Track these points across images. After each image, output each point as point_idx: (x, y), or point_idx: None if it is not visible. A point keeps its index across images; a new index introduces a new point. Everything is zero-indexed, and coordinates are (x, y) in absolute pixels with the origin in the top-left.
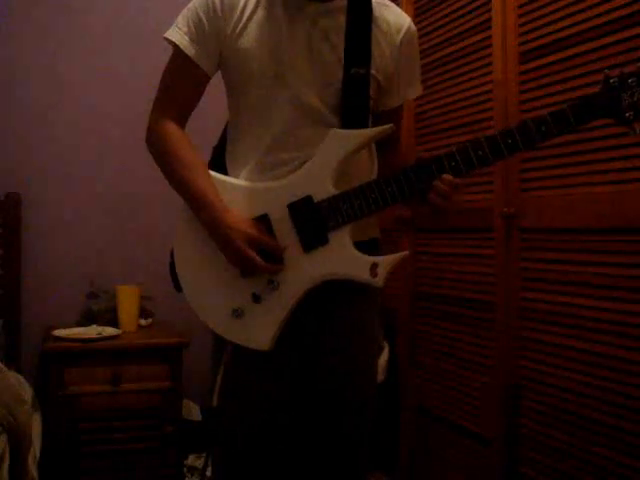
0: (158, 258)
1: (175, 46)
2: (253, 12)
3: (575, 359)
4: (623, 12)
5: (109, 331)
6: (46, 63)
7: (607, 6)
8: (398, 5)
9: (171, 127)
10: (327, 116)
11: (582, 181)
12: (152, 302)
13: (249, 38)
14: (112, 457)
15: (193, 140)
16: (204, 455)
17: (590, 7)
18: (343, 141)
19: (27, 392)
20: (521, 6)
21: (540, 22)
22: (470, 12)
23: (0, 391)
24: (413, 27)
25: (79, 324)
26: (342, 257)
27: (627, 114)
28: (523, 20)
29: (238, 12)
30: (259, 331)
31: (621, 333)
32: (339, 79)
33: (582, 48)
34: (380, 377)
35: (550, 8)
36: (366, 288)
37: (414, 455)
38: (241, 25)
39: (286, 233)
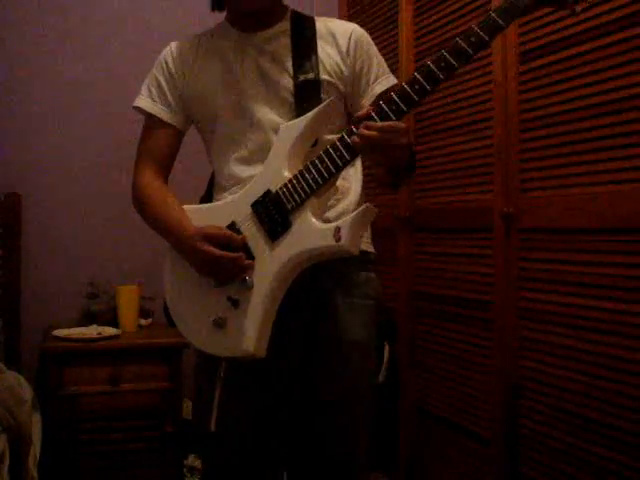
0: (158, 258)
1: (141, 110)
2: (204, 60)
3: (575, 359)
4: (623, 12)
5: (109, 331)
6: (46, 63)
7: (607, 6)
8: (397, 6)
9: (147, 179)
10: None
11: (582, 181)
12: (152, 302)
13: (203, 82)
14: (112, 457)
15: (182, 194)
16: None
17: (590, 7)
18: (290, 129)
19: (27, 392)
20: None
21: (540, 22)
22: (470, 12)
23: (0, 391)
24: (359, 30)
25: (79, 324)
26: (304, 233)
27: None
28: (523, 20)
29: (190, 63)
30: (243, 336)
31: (621, 333)
32: (291, 92)
33: (582, 48)
34: (380, 377)
35: (550, 8)
36: (356, 287)
37: (414, 455)
38: (194, 74)
39: (254, 232)
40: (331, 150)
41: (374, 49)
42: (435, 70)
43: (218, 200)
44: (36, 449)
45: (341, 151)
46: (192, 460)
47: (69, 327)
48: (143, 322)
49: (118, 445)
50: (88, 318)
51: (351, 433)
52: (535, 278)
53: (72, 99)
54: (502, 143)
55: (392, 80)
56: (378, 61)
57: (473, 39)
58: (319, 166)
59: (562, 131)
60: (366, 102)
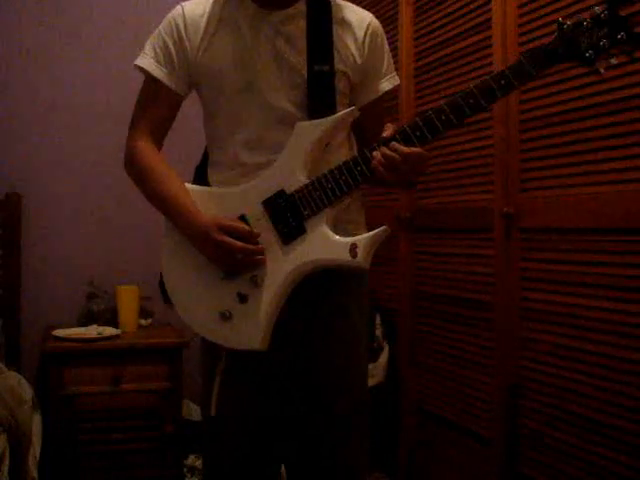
0: (158, 258)
1: (144, 71)
2: (216, 29)
3: (575, 359)
4: (623, 12)
5: (109, 331)
6: (46, 63)
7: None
8: (397, 6)
9: (143, 145)
10: (297, 116)
11: (582, 181)
12: (152, 302)
13: (215, 54)
14: (112, 457)
15: (177, 161)
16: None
17: (590, 7)
18: (308, 132)
19: (27, 392)
20: (521, 6)
21: (540, 22)
22: (470, 12)
23: (0, 391)
24: (375, 22)
25: (79, 324)
26: (320, 243)
27: (587, 54)
28: (523, 20)
29: (202, 31)
30: (249, 331)
31: (621, 333)
32: (305, 79)
33: None
34: (380, 377)
35: (550, 8)
36: (352, 279)
37: (414, 455)
38: (206, 43)
39: (265, 230)
40: (352, 164)
41: (386, 45)
42: (464, 107)
43: (217, 178)
44: (36, 449)
45: (362, 167)
46: (192, 460)
47: (69, 327)
48: (143, 322)
49: (118, 445)
50: (88, 318)
51: (350, 427)
52: (535, 278)
53: (72, 99)
54: (502, 143)
55: (397, 80)
56: (388, 57)
57: (503, 82)
58: (338, 178)
59: (562, 131)
60: (372, 95)
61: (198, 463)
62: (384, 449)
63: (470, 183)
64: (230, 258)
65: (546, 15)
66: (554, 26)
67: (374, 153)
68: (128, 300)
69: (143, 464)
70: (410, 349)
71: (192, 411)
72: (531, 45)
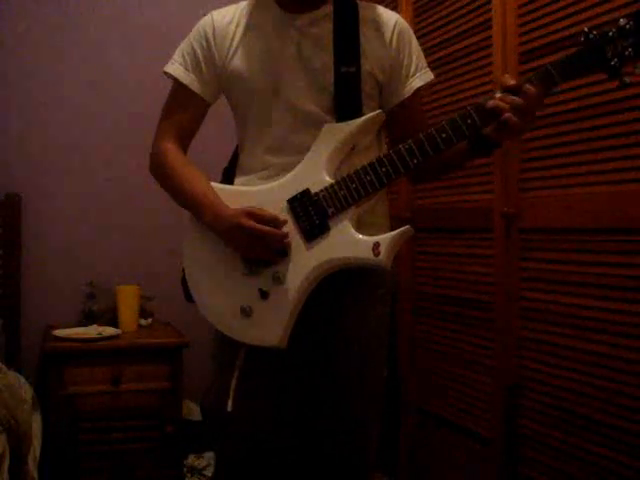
0: (158, 258)
1: (172, 77)
2: (243, 35)
3: (575, 359)
4: (623, 12)
5: (109, 331)
6: (46, 63)
7: (607, 6)
8: (398, 5)
9: (168, 147)
10: (324, 119)
11: (582, 181)
12: (152, 302)
13: (242, 60)
14: (112, 457)
15: (204, 162)
16: (204, 455)
17: (590, 7)
18: (334, 133)
19: (27, 392)
20: (521, 6)
21: (540, 22)
22: (470, 12)
23: (0, 391)
24: (402, 21)
25: (79, 324)
26: (343, 241)
27: (612, 62)
28: (523, 20)
29: (229, 38)
30: (269, 328)
31: (621, 333)
32: (331, 81)
33: None
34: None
35: (550, 8)
36: (374, 279)
37: (414, 455)
38: (233, 49)
39: (289, 228)
40: (377, 164)
41: (415, 42)
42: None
43: (243, 181)
44: (36, 449)
45: (387, 167)
46: (192, 460)
47: (69, 327)
48: (143, 322)
49: (118, 445)
50: (88, 318)
51: (363, 428)
52: (535, 278)
53: (72, 100)
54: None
55: (430, 75)
56: (418, 55)
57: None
58: (363, 178)
59: (562, 131)
60: (404, 93)
61: (198, 463)
62: (384, 449)
63: (470, 183)
64: (257, 243)
65: (546, 15)
66: (554, 26)
67: (490, 102)
68: (128, 300)
69: (143, 464)
70: (410, 349)
71: (192, 411)
72: (531, 45)
